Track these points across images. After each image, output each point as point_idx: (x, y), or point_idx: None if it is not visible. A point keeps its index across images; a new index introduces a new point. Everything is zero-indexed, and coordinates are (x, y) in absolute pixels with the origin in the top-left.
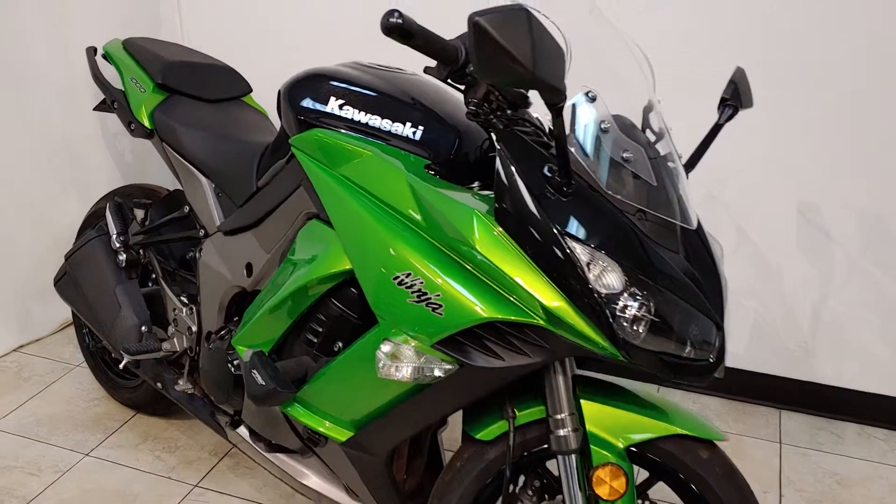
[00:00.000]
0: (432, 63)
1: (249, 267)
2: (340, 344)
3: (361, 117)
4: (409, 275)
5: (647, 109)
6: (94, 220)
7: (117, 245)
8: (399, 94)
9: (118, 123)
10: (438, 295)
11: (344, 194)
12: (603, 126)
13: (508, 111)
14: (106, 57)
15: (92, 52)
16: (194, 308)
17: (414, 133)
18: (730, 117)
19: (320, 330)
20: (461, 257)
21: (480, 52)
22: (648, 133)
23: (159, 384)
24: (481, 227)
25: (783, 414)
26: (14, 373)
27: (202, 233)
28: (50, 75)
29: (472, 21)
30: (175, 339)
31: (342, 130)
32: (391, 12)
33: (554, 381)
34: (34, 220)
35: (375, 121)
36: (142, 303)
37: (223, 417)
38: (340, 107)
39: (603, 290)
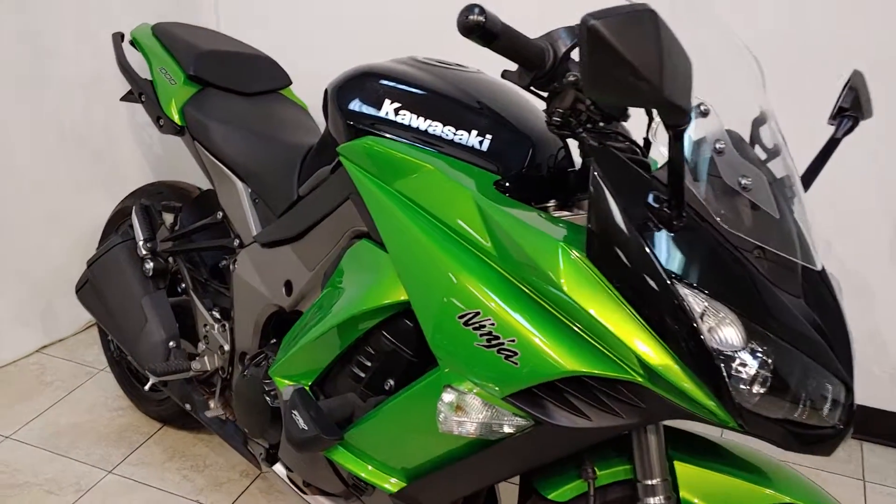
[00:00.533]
0: (508, 65)
1: (289, 285)
2: (392, 382)
3: (420, 124)
4: (477, 314)
5: (759, 121)
6: (119, 219)
7: (144, 252)
8: (463, 97)
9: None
10: (513, 340)
11: (400, 214)
12: (717, 147)
13: (601, 123)
14: (133, 43)
15: (119, 38)
16: (227, 325)
17: (481, 143)
18: (849, 130)
19: (369, 365)
20: (542, 296)
21: (596, 64)
22: (758, 150)
23: (188, 405)
24: (568, 263)
25: (865, 447)
26: (36, 376)
27: (237, 242)
28: (76, 62)
29: (587, 25)
30: (206, 358)
31: (398, 139)
32: (471, 8)
33: (644, 441)
34: (58, 215)
35: (436, 128)
36: (170, 315)
37: (257, 448)
38: (396, 111)
39: (718, 347)
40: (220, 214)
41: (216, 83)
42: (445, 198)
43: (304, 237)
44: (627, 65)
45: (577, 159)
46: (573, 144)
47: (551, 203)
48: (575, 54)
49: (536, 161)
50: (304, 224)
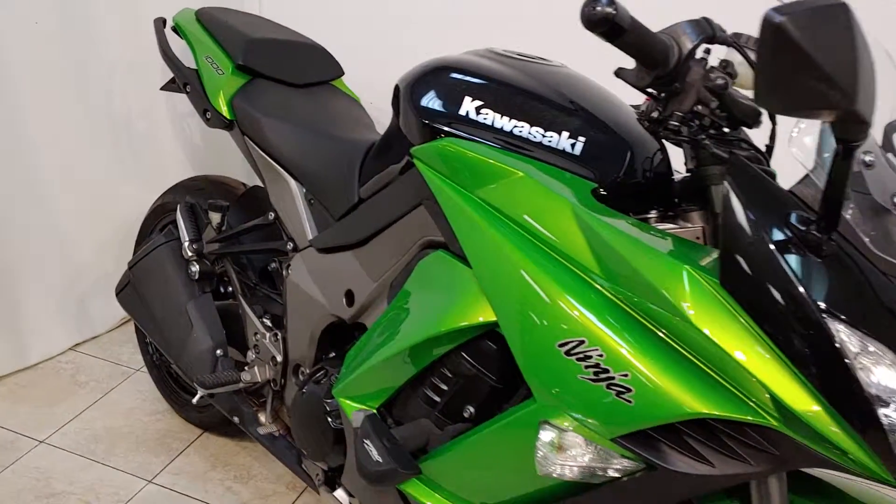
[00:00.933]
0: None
1: (350, 295)
2: (472, 409)
3: (504, 124)
4: (581, 343)
5: (894, 127)
6: (158, 215)
7: (189, 254)
8: (551, 94)
9: (188, 104)
10: (626, 375)
11: (486, 226)
12: (867, 159)
13: (725, 129)
14: (176, 30)
15: (160, 23)
16: (279, 334)
17: (573, 146)
18: None
19: (445, 388)
20: (658, 325)
21: (779, 68)
22: (892, 158)
23: (236, 418)
24: (696, 288)
25: None
26: (70, 376)
27: (290, 246)
28: (111, 49)
29: (773, 22)
30: (256, 369)
31: (479, 140)
32: None
33: (765, 488)
34: (93, 208)
35: (522, 129)
36: (217, 322)
37: (313, 468)
38: (477, 110)
39: (875, 391)
40: (271, 215)
41: (266, 74)
42: (539, 208)
43: (368, 244)
44: (818, 70)
45: (674, 163)
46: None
47: (652, 214)
48: (700, 51)
49: (634, 166)
50: (367, 230)
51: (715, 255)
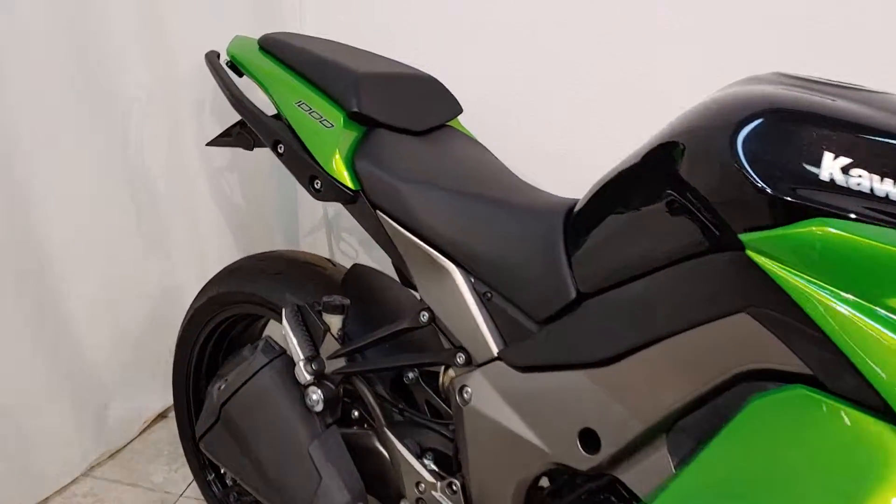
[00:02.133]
0: None
1: (590, 437)
2: None
3: (889, 189)
4: None
5: None
6: (212, 310)
7: (308, 377)
8: None
9: (224, 157)
10: None
11: None
12: None
13: None
14: (233, 65)
15: (215, 57)
16: (456, 483)
17: None
18: None
19: None
20: None
21: None
22: None
23: None
24: None
25: None
26: None
27: (461, 359)
28: (138, 92)
29: None
30: None
31: (862, 219)
32: None
33: None
34: (109, 294)
35: None
36: (351, 465)
37: None
38: (844, 170)
39: None
40: (425, 315)
41: (385, 121)
42: None
43: (619, 363)
44: None
45: None
46: None
47: None
48: None
49: None
50: (618, 343)
51: None
